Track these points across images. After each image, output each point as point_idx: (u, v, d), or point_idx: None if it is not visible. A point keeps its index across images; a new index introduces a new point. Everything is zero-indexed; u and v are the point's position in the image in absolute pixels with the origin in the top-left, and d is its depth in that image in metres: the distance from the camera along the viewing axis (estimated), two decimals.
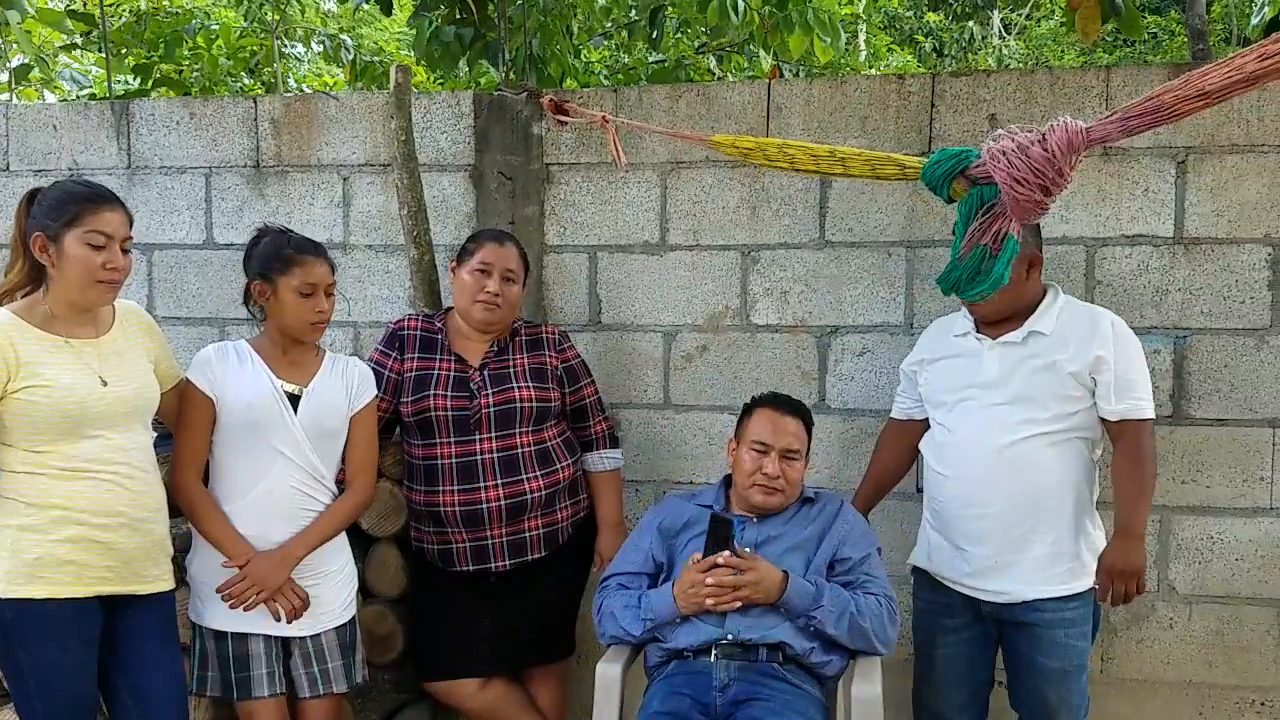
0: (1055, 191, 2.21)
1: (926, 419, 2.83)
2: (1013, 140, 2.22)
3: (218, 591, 2.49)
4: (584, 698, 3.21)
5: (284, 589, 2.51)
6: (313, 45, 7.22)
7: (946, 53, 12.00)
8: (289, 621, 2.53)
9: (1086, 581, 2.61)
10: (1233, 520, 3.02)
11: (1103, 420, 2.63)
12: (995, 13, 12.03)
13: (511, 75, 4.02)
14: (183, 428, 2.56)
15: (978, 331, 2.71)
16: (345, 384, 2.67)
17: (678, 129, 3.17)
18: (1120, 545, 2.55)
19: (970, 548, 2.66)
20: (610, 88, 3.58)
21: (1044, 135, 2.19)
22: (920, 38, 12.07)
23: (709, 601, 2.43)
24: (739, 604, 2.43)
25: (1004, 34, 12.72)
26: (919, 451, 2.87)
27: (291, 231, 2.67)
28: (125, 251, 2.32)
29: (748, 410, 2.76)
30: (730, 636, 2.45)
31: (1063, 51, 12.27)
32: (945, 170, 2.34)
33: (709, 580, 2.43)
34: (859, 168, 2.52)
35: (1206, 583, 3.05)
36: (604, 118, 2.99)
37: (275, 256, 2.58)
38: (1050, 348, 2.61)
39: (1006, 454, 2.60)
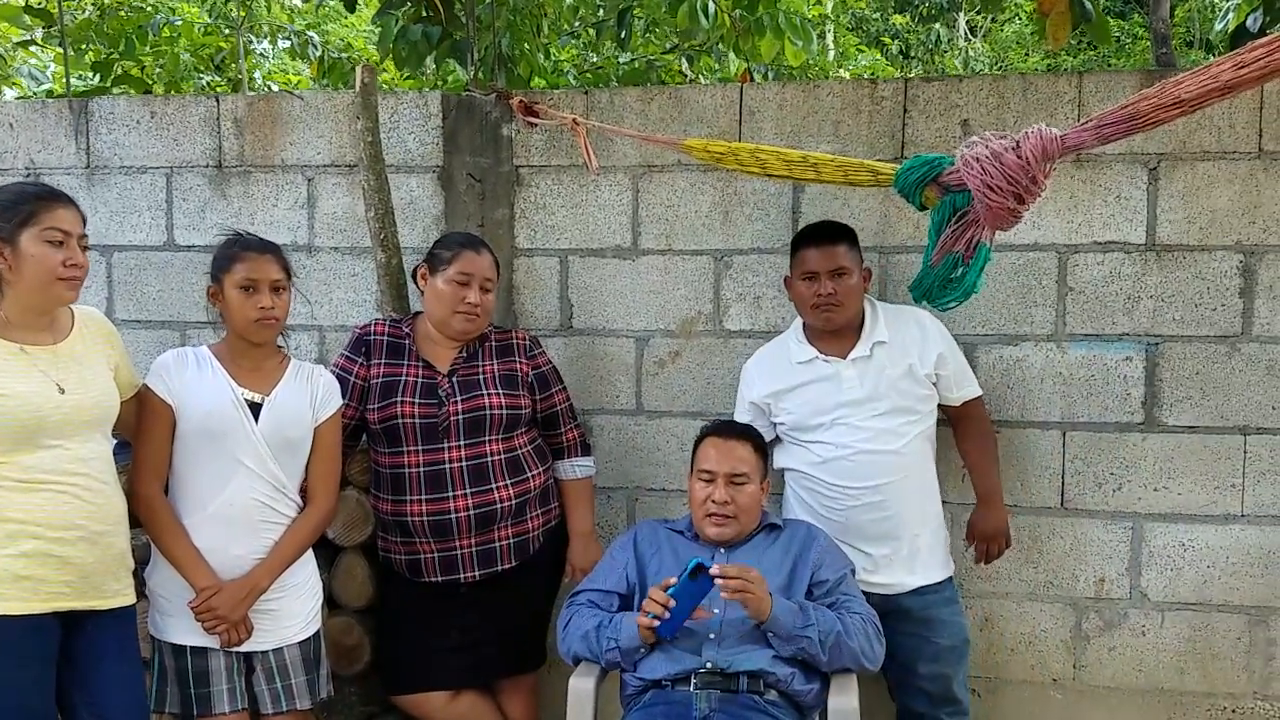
0: (1029, 199, 2.21)
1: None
2: (986, 147, 2.20)
3: (190, 607, 2.43)
4: (554, 708, 3.17)
5: (240, 621, 2.47)
6: (279, 42, 7.13)
7: (913, 55, 12.07)
8: (229, 647, 2.49)
9: (951, 561, 2.91)
10: (1205, 527, 3.03)
11: (942, 407, 2.89)
12: (961, 15, 12.11)
13: (480, 75, 3.96)
14: (142, 436, 2.49)
15: (824, 355, 2.82)
16: (310, 392, 2.61)
17: (650, 132, 3.14)
18: (987, 511, 2.90)
19: (871, 549, 2.77)
20: (581, 89, 3.53)
21: (1018, 142, 2.18)
22: (887, 40, 12.12)
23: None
24: (736, 596, 2.35)
25: (969, 36, 12.81)
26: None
27: (244, 233, 2.62)
28: (84, 249, 2.25)
29: (696, 442, 2.70)
30: (709, 665, 2.39)
31: (1027, 54, 12.36)
32: (918, 177, 2.32)
33: (715, 570, 2.38)
34: (831, 173, 2.50)
35: (1179, 590, 3.05)
36: (575, 120, 2.96)
37: (223, 256, 2.54)
38: (898, 355, 2.79)
39: (902, 457, 2.76)
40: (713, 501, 2.55)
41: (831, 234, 2.81)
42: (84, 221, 2.27)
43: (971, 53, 11.46)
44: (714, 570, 2.35)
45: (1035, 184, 2.16)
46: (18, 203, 2.19)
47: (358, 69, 3.11)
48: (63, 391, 2.21)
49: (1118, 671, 3.10)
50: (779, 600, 2.41)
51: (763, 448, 2.69)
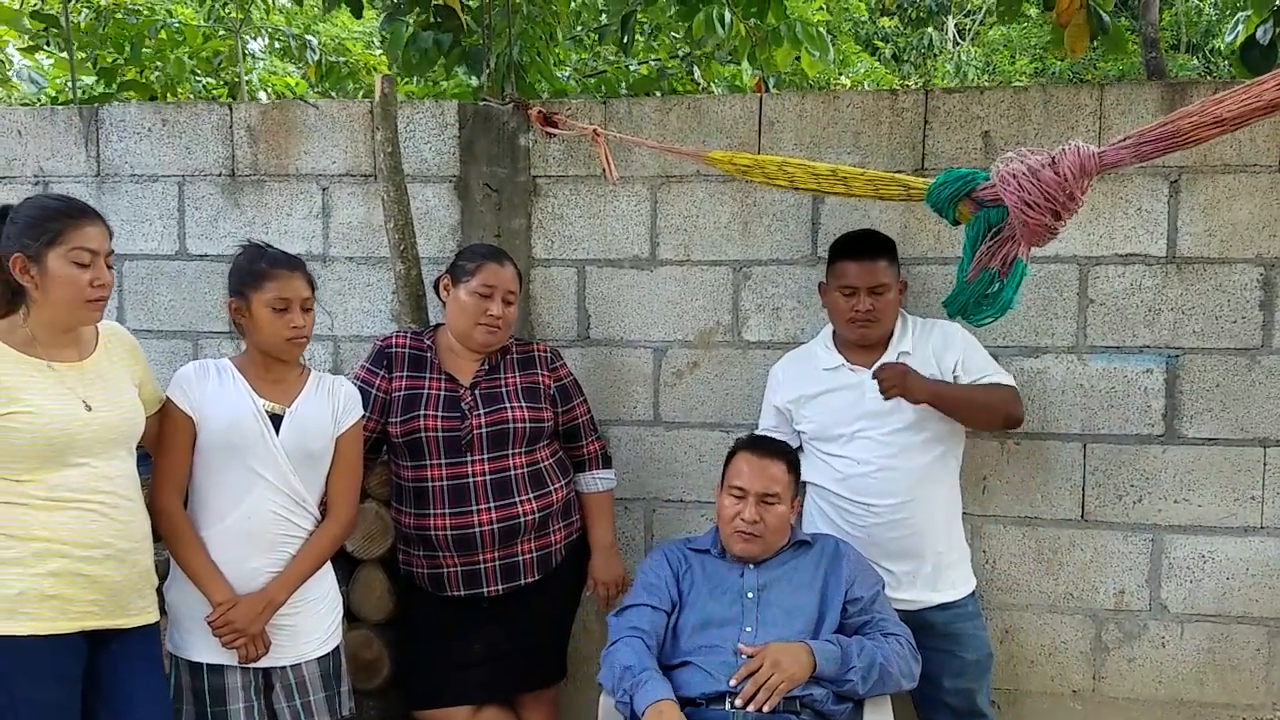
0: (1066, 216, 2.20)
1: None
2: (1023, 163, 2.20)
3: (207, 621, 2.40)
4: None
5: (258, 635, 2.45)
6: (275, 44, 7.08)
7: (905, 59, 12.08)
8: (246, 662, 2.46)
9: (973, 577, 2.90)
10: (1224, 539, 3.03)
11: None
12: (950, 19, 12.13)
13: (490, 83, 3.94)
14: (163, 448, 2.47)
15: (850, 364, 2.82)
16: (331, 404, 2.58)
17: (669, 142, 3.13)
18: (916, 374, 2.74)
19: (893, 566, 2.75)
20: (599, 100, 3.51)
21: (1054, 159, 2.18)
22: (879, 43, 12.13)
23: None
24: (773, 703, 2.29)
25: (958, 40, 12.83)
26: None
27: (269, 246, 2.59)
28: (109, 266, 2.22)
29: (730, 455, 2.68)
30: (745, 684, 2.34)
31: (1013, 58, 12.41)
32: (951, 192, 2.32)
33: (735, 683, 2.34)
34: (861, 187, 2.49)
35: (1198, 602, 3.06)
36: (596, 131, 2.94)
37: (249, 271, 2.50)
38: (919, 365, 2.76)
39: (924, 472, 2.76)
40: (741, 519, 2.53)
41: (873, 248, 2.80)
42: (111, 235, 2.25)
43: (964, 56, 11.46)
44: (739, 703, 2.31)
45: (1073, 200, 2.16)
46: (43, 220, 2.15)
47: (377, 79, 3.09)
48: (90, 409, 2.19)
49: (1137, 683, 3.10)
50: (818, 651, 2.37)
51: (796, 466, 2.67)
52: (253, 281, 2.47)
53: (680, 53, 4.88)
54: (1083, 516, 3.09)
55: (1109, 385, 3.06)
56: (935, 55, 11.98)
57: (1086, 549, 3.10)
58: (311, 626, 2.55)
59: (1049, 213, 2.17)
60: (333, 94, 6.49)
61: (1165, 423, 3.05)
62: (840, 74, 7.23)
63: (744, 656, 2.37)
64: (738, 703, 2.30)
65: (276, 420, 2.49)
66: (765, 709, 2.28)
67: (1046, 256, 3.03)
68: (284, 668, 2.52)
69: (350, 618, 2.85)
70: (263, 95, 7.12)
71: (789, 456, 2.66)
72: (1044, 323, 3.08)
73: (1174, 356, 3.03)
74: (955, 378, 2.79)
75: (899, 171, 3.00)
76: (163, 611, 2.46)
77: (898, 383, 2.70)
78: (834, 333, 2.91)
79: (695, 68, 4.72)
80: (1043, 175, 2.17)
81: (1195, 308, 3.01)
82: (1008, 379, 2.82)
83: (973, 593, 2.87)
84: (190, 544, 2.44)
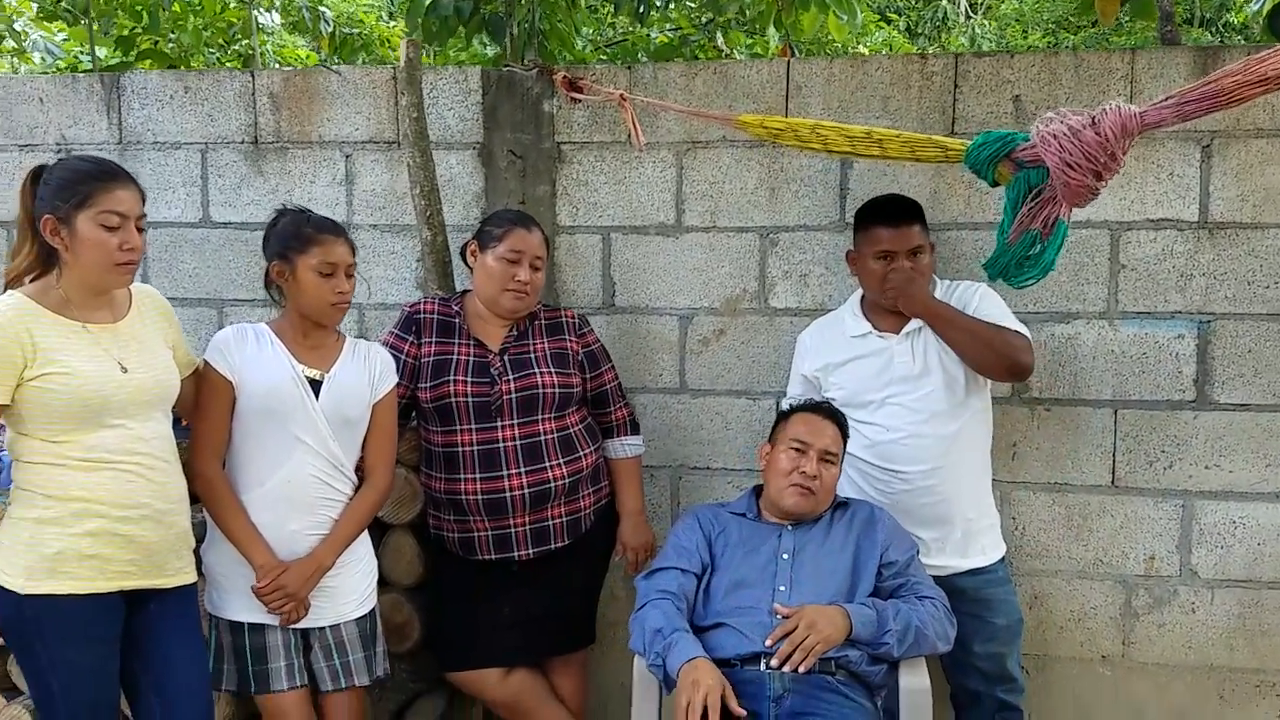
0: (1107, 176, 2.18)
1: None
2: (1064, 123, 2.18)
3: (254, 591, 2.42)
4: (602, 686, 3.17)
5: (304, 599, 2.47)
6: (288, 17, 7.03)
7: (919, 31, 11.99)
8: (288, 625, 2.48)
9: (1003, 542, 2.90)
10: (1255, 505, 3.02)
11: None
12: None
13: (511, 51, 3.92)
14: (201, 412, 2.47)
15: (878, 331, 2.81)
16: (368, 370, 2.59)
17: (697, 107, 3.11)
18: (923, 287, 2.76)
19: (922, 532, 2.73)
20: (624, 65, 3.49)
21: (1095, 119, 2.15)
22: (893, 15, 12.04)
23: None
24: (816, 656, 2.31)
25: (971, 13, 12.73)
26: None
27: (310, 211, 2.58)
28: (140, 230, 2.21)
29: (784, 415, 2.69)
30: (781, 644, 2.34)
31: (1025, 32, 12.31)
32: (991, 153, 2.29)
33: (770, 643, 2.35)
34: (898, 150, 2.46)
35: (1229, 567, 3.05)
36: (622, 96, 2.92)
37: (294, 235, 2.49)
38: None
39: (954, 438, 2.74)
40: (801, 472, 2.53)
41: (907, 212, 2.79)
42: (143, 199, 2.23)
43: (977, 29, 11.37)
44: (774, 664, 2.31)
45: (1114, 161, 2.13)
46: (74, 182, 2.14)
47: (402, 43, 3.07)
48: (125, 371, 2.19)
49: (1167, 648, 3.10)
50: (854, 614, 2.37)
51: (846, 433, 2.68)
52: (299, 245, 2.46)
53: (707, 20, 4.83)
54: (1113, 482, 3.09)
55: (1140, 351, 3.04)
56: (949, 28, 11.90)
57: (1117, 515, 3.09)
58: (350, 587, 2.57)
59: (1091, 173, 2.15)
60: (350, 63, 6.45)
61: (1196, 388, 3.03)
62: (858, 43, 7.17)
63: (779, 617, 2.37)
64: (773, 663, 2.30)
65: (315, 386, 2.49)
66: (801, 670, 2.28)
67: (1078, 222, 3.01)
68: (323, 628, 2.54)
69: (381, 582, 2.85)
70: (276, 67, 7.08)
71: (842, 421, 2.67)
72: (1075, 288, 3.06)
73: (1206, 322, 3.02)
74: None
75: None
76: (200, 574, 2.47)
77: (902, 288, 2.72)
78: (862, 299, 2.90)
79: (720, 33, 4.67)
80: (1084, 136, 2.14)
81: (1227, 273, 2.99)
82: (1023, 330, 2.75)
83: (1003, 558, 2.86)
84: (230, 507, 2.45)
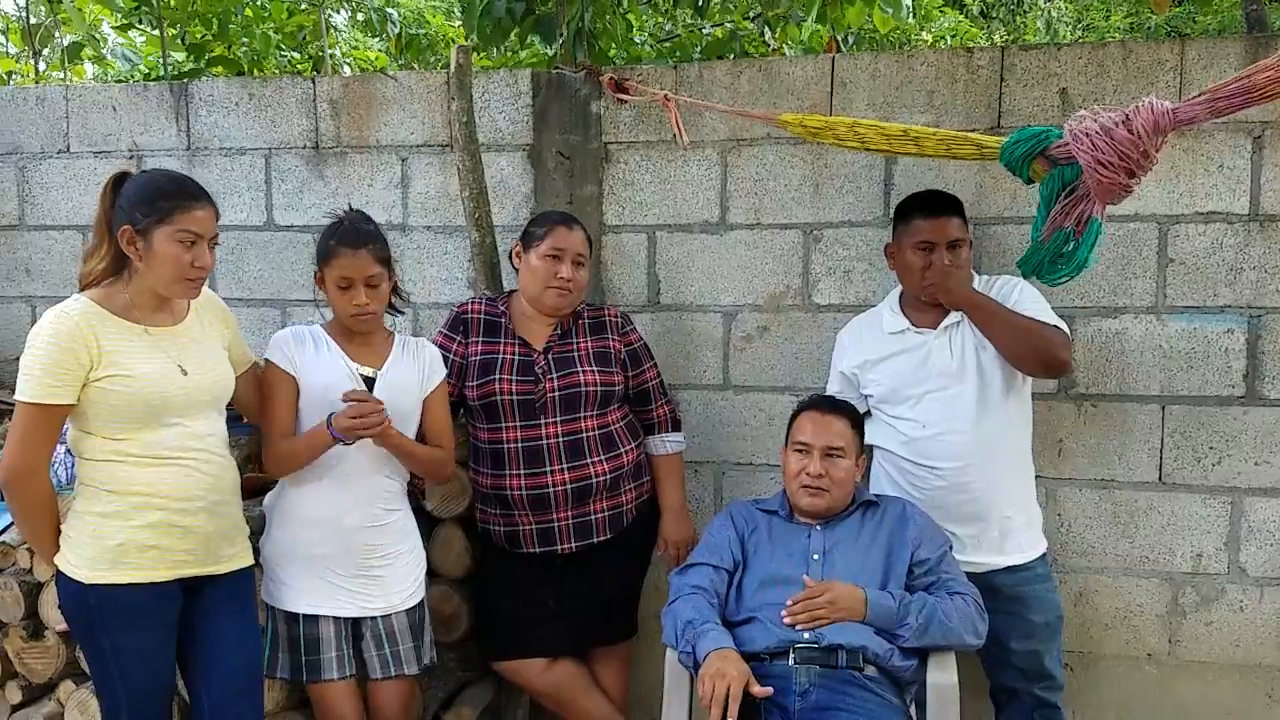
0: (1140, 174, 2.17)
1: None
2: (1096, 121, 2.17)
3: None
4: (643, 678, 3.23)
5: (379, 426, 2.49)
6: (357, 17, 7.19)
7: (993, 15, 11.77)
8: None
9: (1044, 539, 2.86)
10: None
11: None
12: None
13: (563, 51, 3.98)
14: (267, 405, 2.57)
15: (915, 327, 2.81)
16: (418, 366, 2.68)
17: (740, 106, 3.14)
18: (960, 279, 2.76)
19: (957, 529, 2.73)
20: (670, 65, 3.53)
21: (1128, 116, 2.14)
22: (968, 0, 11.84)
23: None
24: (814, 625, 2.39)
25: None
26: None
27: (350, 220, 2.61)
28: (212, 249, 2.31)
29: (793, 416, 2.72)
30: (808, 638, 2.38)
31: (1108, 14, 12.00)
32: (1025, 151, 2.29)
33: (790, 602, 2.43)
34: (933, 147, 2.47)
35: (1278, 565, 3.00)
36: (666, 96, 2.96)
37: (322, 247, 2.59)
38: None
39: (991, 435, 2.73)
40: (807, 474, 2.57)
41: (947, 205, 2.79)
42: (218, 218, 2.33)
43: (1054, 13, 11.13)
44: (786, 619, 2.39)
45: (1147, 158, 2.12)
46: (156, 197, 2.23)
47: (452, 50, 3.15)
48: (185, 373, 2.29)
49: (1214, 647, 3.07)
50: (873, 595, 2.41)
51: (859, 424, 2.69)
52: (324, 258, 2.57)
53: (753, 13, 4.84)
54: (1160, 479, 3.06)
55: (1189, 346, 3.01)
56: (1025, 11, 11.65)
57: (1164, 512, 3.06)
58: (400, 578, 2.66)
59: (1123, 171, 2.14)
60: (414, 66, 6.57)
61: (1246, 384, 2.99)
62: (921, 30, 7.08)
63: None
64: (784, 615, 2.38)
65: (369, 383, 2.59)
66: (804, 631, 2.35)
67: (1125, 215, 2.98)
68: (374, 618, 2.63)
69: (430, 574, 2.95)
70: (346, 69, 7.25)
71: (850, 412, 2.69)
72: (1123, 282, 3.03)
73: (1256, 316, 2.97)
74: None
75: (974, 130, 2.98)
76: (258, 564, 2.58)
77: (940, 281, 2.72)
78: (900, 295, 2.91)
79: (768, 28, 4.68)
80: (1116, 134, 2.14)
81: (1278, 267, 2.94)
82: (1062, 325, 2.72)
83: (1042, 555, 2.84)
84: (299, 440, 2.54)
